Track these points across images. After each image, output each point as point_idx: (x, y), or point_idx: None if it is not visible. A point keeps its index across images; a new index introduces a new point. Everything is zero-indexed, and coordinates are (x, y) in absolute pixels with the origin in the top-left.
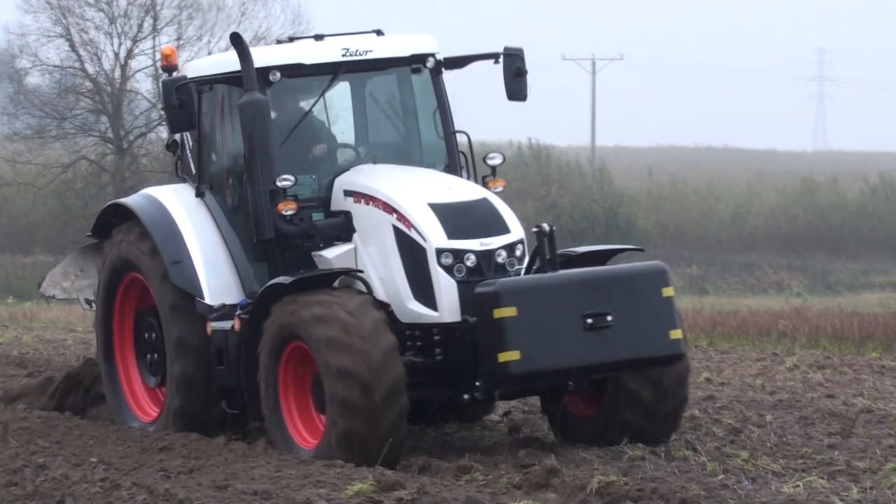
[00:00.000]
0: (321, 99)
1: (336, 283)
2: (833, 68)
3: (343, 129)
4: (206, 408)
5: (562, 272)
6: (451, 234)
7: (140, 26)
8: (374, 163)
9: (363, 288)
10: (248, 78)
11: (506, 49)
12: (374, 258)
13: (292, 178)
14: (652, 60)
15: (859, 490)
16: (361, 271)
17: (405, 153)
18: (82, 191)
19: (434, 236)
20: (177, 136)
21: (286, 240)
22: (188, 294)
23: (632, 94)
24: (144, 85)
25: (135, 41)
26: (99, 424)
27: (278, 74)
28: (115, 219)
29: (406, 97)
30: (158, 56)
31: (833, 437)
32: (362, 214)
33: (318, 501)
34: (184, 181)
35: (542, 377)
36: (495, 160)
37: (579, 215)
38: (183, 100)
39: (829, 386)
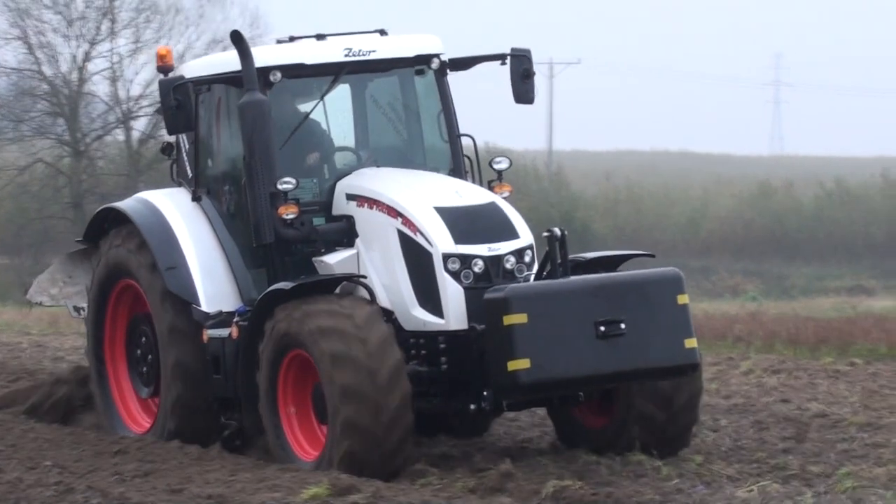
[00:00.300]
0: (322, 100)
1: (338, 290)
2: (789, 73)
3: (344, 131)
4: (201, 398)
5: (574, 278)
6: (459, 239)
7: (98, 29)
8: (378, 166)
9: (366, 294)
10: (249, 78)
11: (513, 50)
12: (377, 264)
13: (294, 180)
14: (609, 64)
15: (813, 494)
16: (365, 277)
17: (407, 156)
18: (38, 193)
19: (441, 241)
20: (171, 139)
21: (286, 245)
22: (188, 315)
23: (589, 98)
24: (101, 88)
25: (92, 44)
26: (53, 427)
27: (279, 75)
28: (108, 223)
29: (409, 99)
30: (117, 59)
31: (787, 441)
32: (366, 219)
33: None
34: (179, 185)
35: (552, 386)
36: (501, 164)
37: (535, 219)
38: (180, 100)
39: (783, 390)
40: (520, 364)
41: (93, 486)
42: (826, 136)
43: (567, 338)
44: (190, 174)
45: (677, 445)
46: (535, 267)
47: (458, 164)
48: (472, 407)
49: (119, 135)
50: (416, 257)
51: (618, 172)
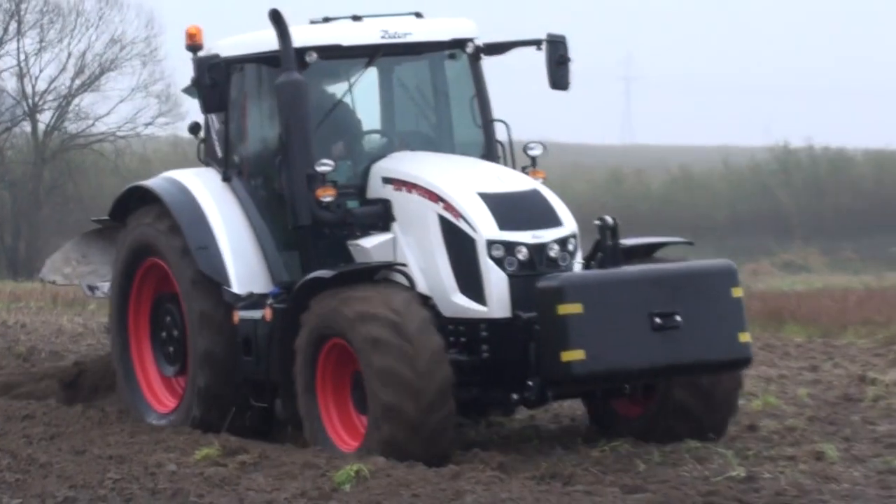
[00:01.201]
0: (355, 83)
1: (377, 276)
2: (640, 68)
3: (374, 115)
4: (229, 386)
5: (629, 268)
6: (503, 226)
7: (5, 30)
8: (412, 150)
9: (404, 281)
10: (287, 57)
11: (549, 36)
12: (415, 248)
13: (332, 162)
14: None
15: None
16: (404, 265)
17: (438, 141)
18: None
19: (485, 227)
20: (199, 119)
21: (321, 227)
22: (217, 301)
23: None
24: (10, 83)
25: (0, 43)
26: None
27: (315, 55)
28: (133, 202)
29: (440, 83)
30: (24, 57)
31: None
32: (403, 203)
33: (168, 465)
34: (206, 165)
35: (606, 378)
36: (535, 150)
37: None
38: (216, 79)
39: None
40: (574, 355)
41: (2, 448)
42: (673, 126)
43: (622, 329)
44: (220, 154)
45: (715, 436)
46: (579, 256)
47: (492, 150)
48: (515, 396)
49: (26, 126)
50: (458, 243)
51: None
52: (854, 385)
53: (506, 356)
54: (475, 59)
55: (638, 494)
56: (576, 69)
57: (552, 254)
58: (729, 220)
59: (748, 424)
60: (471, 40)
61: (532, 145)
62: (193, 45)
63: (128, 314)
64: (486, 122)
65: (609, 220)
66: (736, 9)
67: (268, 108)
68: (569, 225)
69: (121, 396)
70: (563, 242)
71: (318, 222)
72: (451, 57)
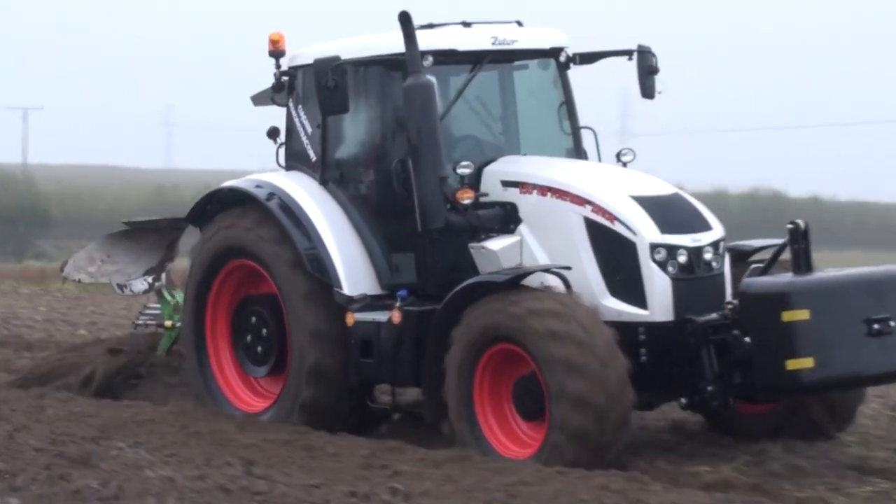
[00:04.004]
0: (464, 88)
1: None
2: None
3: (483, 118)
4: (337, 400)
5: (843, 273)
6: (664, 229)
7: None
8: (524, 154)
9: (553, 284)
10: (414, 60)
11: (639, 46)
12: (551, 251)
13: (472, 164)
14: None
15: None
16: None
17: (536, 145)
18: None
19: (646, 230)
20: (276, 124)
21: (449, 231)
22: (324, 284)
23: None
24: None
25: None
26: None
27: (431, 59)
28: (212, 205)
29: (536, 89)
30: None
31: None
32: (534, 205)
33: None
34: (287, 170)
35: (835, 385)
36: (628, 157)
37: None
38: (338, 81)
39: None
40: (802, 363)
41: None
42: (211, 154)
43: (843, 335)
44: (314, 157)
45: (845, 424)
46: (727, 259)
47: (580, 156)
48: (683, 401)
49: None
50: (611, 246)
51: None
52: None
53: (670, 360)
54: (565, 67)
55: None
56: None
57: (707, 256)
58: None
59: None
60: (564, 49)
61: (625, 151)
62: (276, 52)
63: (205, 314)
64: (575, 129)
65: (801, 223)
66: None
67: (379, 110)
68: (718, 228)
69: (195, 393)
70: (716, 245)
71: (448, 225)
72: (542, 66)
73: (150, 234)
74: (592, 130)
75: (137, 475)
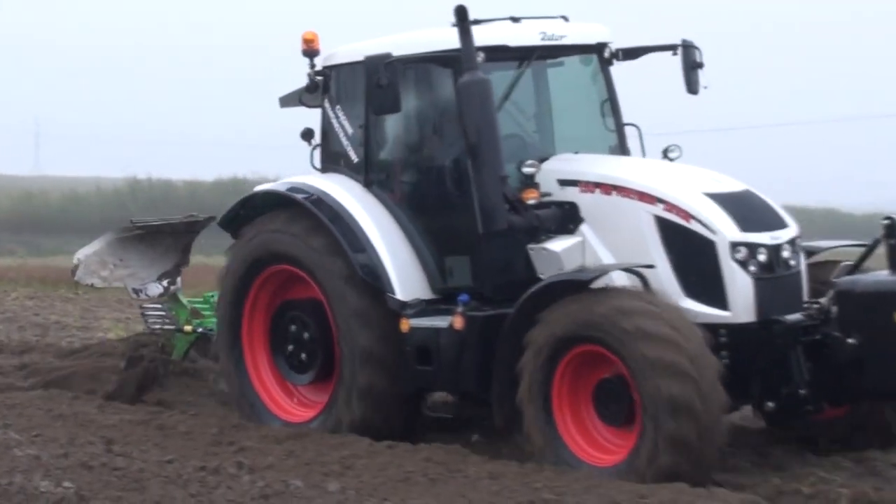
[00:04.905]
0: (514, 84)
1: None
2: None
3: (521, 116)
4: (387, 418)
5: None
6: (743, 227)
7: None
8: (575, 152)
9: (625, 284)
10: (469, 57)
11: (683, 41)
12: (617, 251)
13: (538, 163)
14: None
15: None
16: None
17: (575, 143)
18: None
19: (726, 228)
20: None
21: (511, 232)
22: (374, 298)
23: None
24: None
25: None
26: None
27: (482, 55)
28: (245, 209)
29: (581, 86)
30: None
31: None
32: (597, 204)
33: None
34: (321, 171)
35: None
36: (675, 153)
37: None
38: (390, 79)
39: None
40: None
41: None
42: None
43: None
44: (356, 159)
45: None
46: (803, 257)
47: (625, 153)
48: (770, 405)
49: None
50: (686, 245)
51: None
52: None
53: (752, 363)
54: (608, 63)
55: None
56: None
57: (785, 255)
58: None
59: None
60: (608, 44)
61: (672, 147)
62: (310, 51)
63: (241, 323)
64: (619, 126)
65: None
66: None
67: (427, 109)
68: (793, 225)
69: (232, 401)
70: (793, 243)
71: (510, 227)
72: (584, 61)
73: (164, 237)
74: (637, 127)
75: (6, 454)
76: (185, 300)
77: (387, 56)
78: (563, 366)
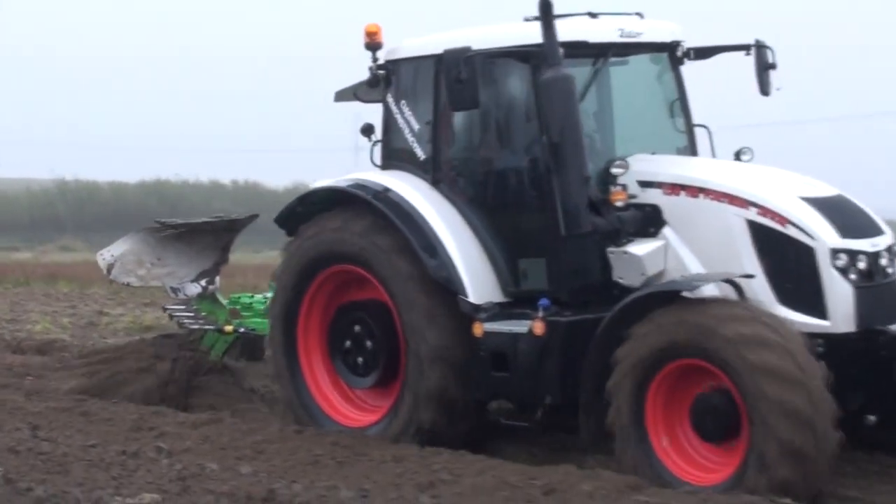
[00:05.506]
0: (592, 82)
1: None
2: None
3: (589, 115)
4: (455, 422)
5: None
6: (843, 233)
7: None
8: (653, 153)
9: (709, 292)
10: (553, 52)
11: (757, 41)
12: (702, 256)
13: (627, 163)
14: None
15: None
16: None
17: (646, 143)
18: None
19: (825, 234)
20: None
21: (593, 235)
22: (445, 298)
23: None
24: None
25: None
26: None
27: (562, 52)
28: (303, 206)
29: (646, 84)
30: None
31: None
32: (682, 207)
33: None
34: (382, 168)
35: None
36: (747, 156)
37: None
38: (471, 74)
39: None
40: None
41: None
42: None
43: None
44: (422, 155)
45: None
46: None
47: (695, 154)
48: (872, 418)
49: None
50: (782, 252)
51: None
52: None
53: (852, 374)
54: (678, 62)
55: None
56: None
57: (883, 262)
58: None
59: None
60: (680, 43)
61: (745, 149)
62: (372, 44)
63: (297, 325)
64: (689, 126)
65: None
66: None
67: (503, 105)
68: (888, 231)
69: (288, 404)
70: (890, 250)
71: (594, 229)
72: (654, 60)
73: (203, 236)
74: (707, 128)
75: None
76: (223, 299)
77: (467, 50)
78: (656, 383)
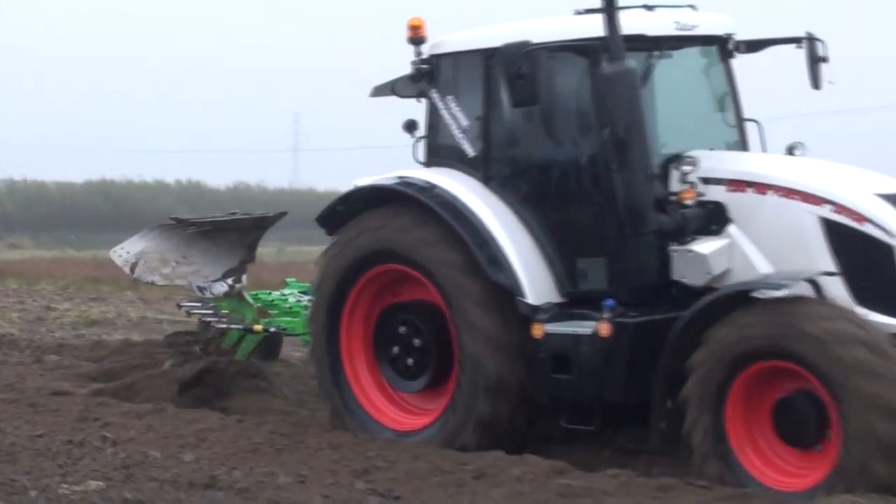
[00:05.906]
0: (649, 76)
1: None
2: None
3: (654, 110)
4: (514, 416)
5: None
6: None
7: None
8: (710, 149)
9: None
10: (616, 46)
11: (808, 34)
12: (770, 254)
13: (695, 160)
14: None
15: None
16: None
17: (693, 138)
18: None
19: None
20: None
21: (657, 234)
22: (495, 288)
23: None
24: None
25: None
26: None
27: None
28: (345, 205)
29: (694, 78)
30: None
31: None
32: (749, 204)
33: None
34: (426, 165)
35: None
36: (800, 150)
37: None
38: (530, 68)
39: None
40: None
41: None
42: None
43: None
44: (471, 153)
45: None
46: None
47: (746, 149)
48: None
49: None
50: (859, 250)
51: None
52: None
53: None
54: (729, 55)
55: None
56: None
57: None
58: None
59: None
60: (732, 36)
61: (797, 144)
62: (416, 38)
63: (339, 326)
64: (740, 121)
65: None
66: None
67: (561, 101)
68: None
69: (333, 409)
70: None
71: (660, 228)
72: (705, 53)
73: (229, 234)
74: (757, 123)
75: None
76: (250, 298)
77: (526, 44)
78: (736, 387)
